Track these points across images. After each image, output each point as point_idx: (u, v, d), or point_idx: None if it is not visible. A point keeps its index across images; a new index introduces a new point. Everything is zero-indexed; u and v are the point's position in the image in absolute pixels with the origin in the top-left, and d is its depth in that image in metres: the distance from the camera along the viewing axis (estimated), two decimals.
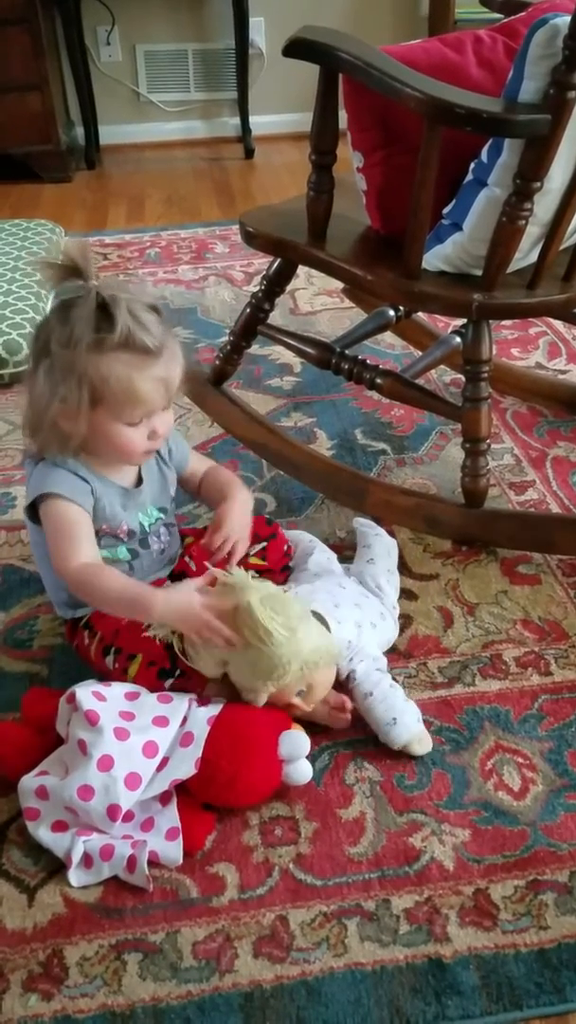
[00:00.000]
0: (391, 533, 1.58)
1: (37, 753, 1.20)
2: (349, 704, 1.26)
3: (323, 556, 1.47)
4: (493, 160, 1.37)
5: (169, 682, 1.22)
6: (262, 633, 1.15)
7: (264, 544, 1.38)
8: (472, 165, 1.43)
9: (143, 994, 1.00)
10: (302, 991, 1.00)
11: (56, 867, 1.12)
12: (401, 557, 1.54)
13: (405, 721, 1.24)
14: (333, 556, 1.48)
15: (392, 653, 1.40)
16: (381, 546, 1.50)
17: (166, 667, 1.22)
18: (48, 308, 2.25)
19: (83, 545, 1.20)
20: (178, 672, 1.22)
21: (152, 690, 1.21)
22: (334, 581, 1.39)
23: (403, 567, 1.54)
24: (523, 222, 1.35)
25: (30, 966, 1.03)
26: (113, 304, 1.12)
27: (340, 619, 1.30)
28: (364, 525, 1.55)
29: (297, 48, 1.41)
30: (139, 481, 1.30)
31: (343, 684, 1.29)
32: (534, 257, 1.47)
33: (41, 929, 1.06)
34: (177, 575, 1.36)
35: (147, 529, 1.31)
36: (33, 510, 1.24)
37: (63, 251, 1.15)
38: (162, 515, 1.33)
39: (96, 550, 1.23)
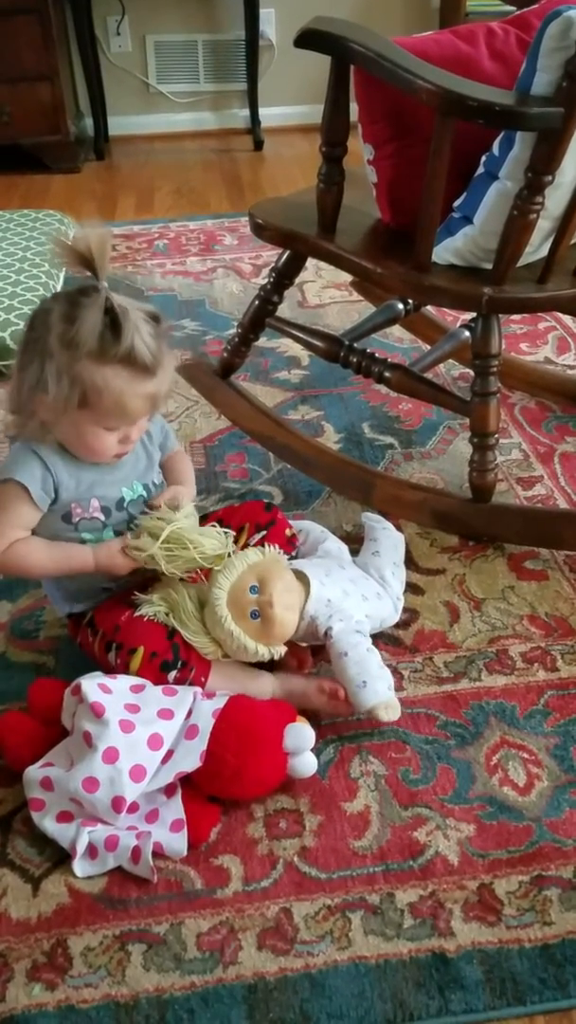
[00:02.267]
0: (398, 528, 1.57)
1: (42, 744, 1.20)
2: (342, 692, 1.26)
3: (334, 545, 1.47)
4: (505, 153, 1.37)
5: (172, 674, 1.22)
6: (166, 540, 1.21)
7: (264, 532, 1.36)
8: (483, 158, 1.42)
9: (147, 985, 1.01)
10: (306, 983, 1.00)
11: (61, 857, 1.12)
12: (408, 552, 1.54)
13: (375, 687, 1.24)
14: (344, 547, 1.48)
15: (398, 647, 1.40)
16: (388, 540, 1.50)
17: (168, 659, 1.22)
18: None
19: (13, 528, 1.22)
20: (181, 663, 1.22)
21: (156, 683, 1.21)
22: (335, 563, 1.40)
23: (410, 562, 1.53)
24: (534, 216, 1.35)
25: (34, 956, 1.03)
26: (123, 316, 1.12)
27: (325, 582, 1.31)
28: (371, 519, 1.55)
29: (309, 39, 1.40)
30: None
31: (322, 641, 1.30)
32: (545, 251, 1.47)
33: (46, 919, 1.07)
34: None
35: (126, 505, 1.28)
36: None
37: (83, 238, 1.14)
38: (144, 493, 1.31)
39: (26, 531, 1.23)
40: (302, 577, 1.31)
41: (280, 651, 1.27)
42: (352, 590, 1.34)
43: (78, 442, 1.21)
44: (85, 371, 1.13)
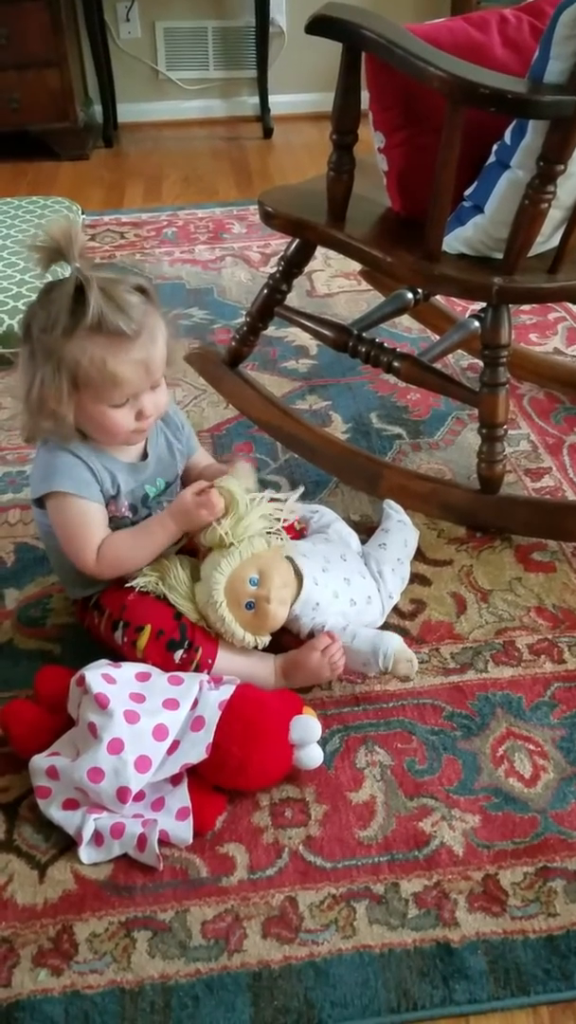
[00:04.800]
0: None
1: (48, 732, 1.21)
2: (337, 637, 1.27)
3: (344, 529, 1.48)
4: (516, 142, 1.36)
5: (179, 653, 1.22)
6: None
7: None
8: (495, 147, 1.41)
9: (152, 971, 1.01)
10: (310, 972, 1.01)
11: (67, 844, 1.12)
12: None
13: (388, 638, 1.27)
14: (354, 534, 1.48)
15: (404, 637, 1.39)
16: (399, 534, 1.49)
17: (175, 638, 1.23)
18: None
19: (95, 535, 1.23)
20: (187, 643, 1.23)
21: (162, 663, 1.22)
22: (339, 551, 1.40)
23: (417, 552, 1.53)
24: (546, 205, 1.34)
25: (40, 941, 1.04)
26: (87, 286, 1.11)
27: (319, 581, 1.31)
28: (392, 507, 1.55)
29: (320, 25, 1.39)
30: (145, 455, 1.30)
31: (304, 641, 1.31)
32: (556, 241, 1.46)
33: (51, 905, 1.07)
34: (190, 552, 1.36)
35: (150, 502, 1.31)
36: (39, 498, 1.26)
37: (47, 233, 1.13)
38: (167, 488, 1.33)
39: (106, 529, 1.25)
40: (297, 572, 1.31)
41: (264, 641, 1.29)
42: (343, 592, 1.34)
43: (92, 426, 1.21)
44: (64, 349, 1.13)
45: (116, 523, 1.27)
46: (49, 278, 1.17)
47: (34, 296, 1.20)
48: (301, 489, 1.40)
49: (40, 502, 1.26)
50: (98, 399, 1.17)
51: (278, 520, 1.31)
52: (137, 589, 1.26)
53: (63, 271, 1.14)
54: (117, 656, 1.25)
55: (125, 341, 1.14)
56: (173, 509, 1.25)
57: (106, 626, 1.28)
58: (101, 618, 1.29)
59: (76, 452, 1.22)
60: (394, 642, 1.27)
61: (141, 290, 1.18)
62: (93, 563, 1.23)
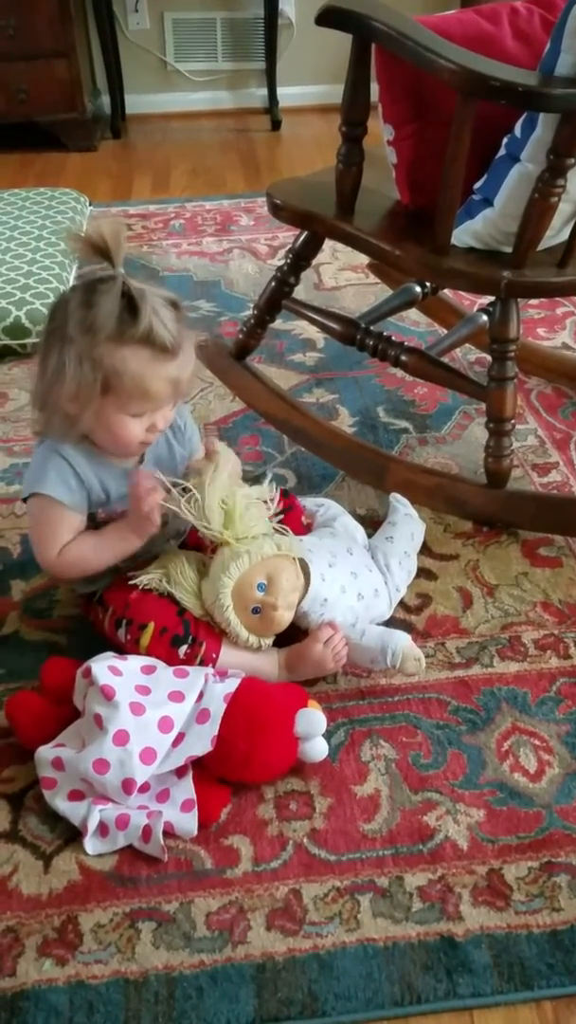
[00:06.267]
0: None
1: (54, 723, 1.21)
2: (339, 628, 1.28)
3: (351, 522, 1.48)
4: (527, 135, 1.35)
5: (183, 649, 1.23)
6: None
7: (280, 516, 1.37)
8: (505, 140, 1.41)
9: (156, 962, 1.01)
10: (314, 964, 1.01)
11: (72, 835, 1.13)
12: None
13: (398, 636, 1.28)
14: (360, 528, 1.48)
15: (410, 632, 1.39)
16: (406, 527, 1.49)
17: (179, 633, 1.23)
18: (71, 279, 2.25)
19: (62, 538, 1.24)
20: (191, 639, 1.23)
21: (167, 658, 1.22)
22: (345, 545, 1.39)
23: (423, 547, 1.53)
24: (555, 199, 1.33)
25: (45, 931, 1.04)
26: (139, 298, 1.12)
27: (325, 577, 1.31)
28: (398, 500, 1.55)
29: (330, 17, 1.39)
30: (141, 459, 1.30)
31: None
32: (565, 235, 1.45)
33: (56, 895, 1.08)
34: (196, 547, 1.36)
35: None
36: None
37: (96, 229, 1.14)
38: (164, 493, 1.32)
39: (74, 534, 1.25)
40: (304, 568, 1.30)
41: (268, 643, 1.29)
42: (350, 587, 1.33)
43: (104, 432, 1.21)
44: (105, 354, 1.13)
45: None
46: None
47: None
48: (269, 476, 1.39)
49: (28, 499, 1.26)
50: (121, 408, 1.18)
51: (267, 506, 1.30)
52: (141, 587, 1.25)
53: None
54: (121, 652, 1.25)
55: (166, 357, 1.15)
56: (130, 519, 1.24)
57: (110, 623, 1.28)
58: (105, 615, 1.29)
59: (70, 458, 1.22)
60: (403, 640, 1.27)
61: (174, 305, 1.18)
62: (53, 559, 1.24)
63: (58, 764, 1.15)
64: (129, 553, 1.26)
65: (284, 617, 1.27)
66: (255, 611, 1.25)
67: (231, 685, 1.18)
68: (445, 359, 1.67)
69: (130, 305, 1.12)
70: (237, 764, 1.16)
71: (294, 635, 1.31)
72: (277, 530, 1.30)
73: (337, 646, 1.27)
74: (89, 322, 1.12)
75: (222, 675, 1.21)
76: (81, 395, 1.15)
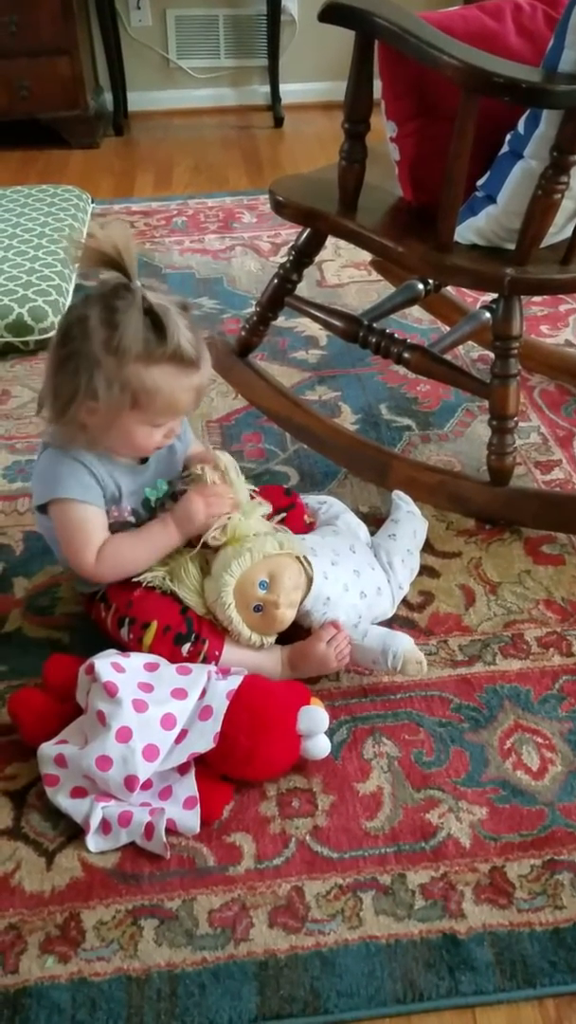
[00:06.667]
0: None
1: (57, 720, 1.21)
2: (343, 628, 1.27)
3: (353, 520, 1.48)
4: (530, 131, 1.35)
5: (186, 647, 1.23)
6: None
7: (283, 515, 1.37)
8: (508, 136, 1.40)
9: (159, 959, 1.01)
10: (316, 962, 1.01)
11: (74, 832, 1.13)
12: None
13: (400, 638, 1.28)
14: (363, 526, 1.48)
15: (412, 629, 1.40)
16: (408, 525, 1.49)
17: (182, 631, 1.23)
18: (74, 278, 2.24)
19: (96, 539, 1.23)
20: (194, 636, 1.23)
21: (170, 657, 1.22)
22: (348, 543, 1.39)
23: (426, 544, 1.53)
24: (559, 196, 1.33)
25: (47, 928, 1.04)
26: (164, 315, 1.12)
27: (328, 575, 1.31)
28: (400, 498, 1.55)
29: (333, 13, 1.38)
30: (144, 458, 1.30)
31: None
32: (569, 232, 1.45)
33: (59, 892, 1.08)
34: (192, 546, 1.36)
35: (152, 504, 1.31)
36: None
37: (106, 237, 1.12)
38: (167, 488, 1.33)
39: (106, 532, 1.25)
40: (307, 570, 1.30)
41: (270, 641, 1.29)
42: (353, 585, 1.33)
43: (125, 443, 1.22)
44: (134, 375, 1.13)
45: (119, 527, 1.27)
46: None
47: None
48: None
49: (42, 508, 1.26)
50: (146, 421, 1.19)
51: (260, 504, 1.31)
52: (144, 585, 1.25)
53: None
54: (124, 650, 1.25)
55: (192, 369, 1.17)
56: (179, 515, 1.25)
57: (112, 621, 1.28)
58: (108, 612, 1.29)
59: (80, 458, 1.22)
60: (404, 643, 1.27)
61: (184, 308, 1.19)
62: (92, 566, 1.23)
63: (60, 761, 1.15)
64: (169, 551, 1.26)
65: (286, 615, 1.26)
66: (257, 609, 1.25)
67: (234, 682, 1.18)
68: (448, 356, 1.67)
69: (155, 324, 1.12)
70: (239, 761, 1.16)
71: (296, 634, 1.31)
72: (277, 530, 1.30)
73: (340, 645, 1.27)
74: (115, 344, 1.12)
75: (225, 672, 1.21)
76: (111, 414, 1.16)
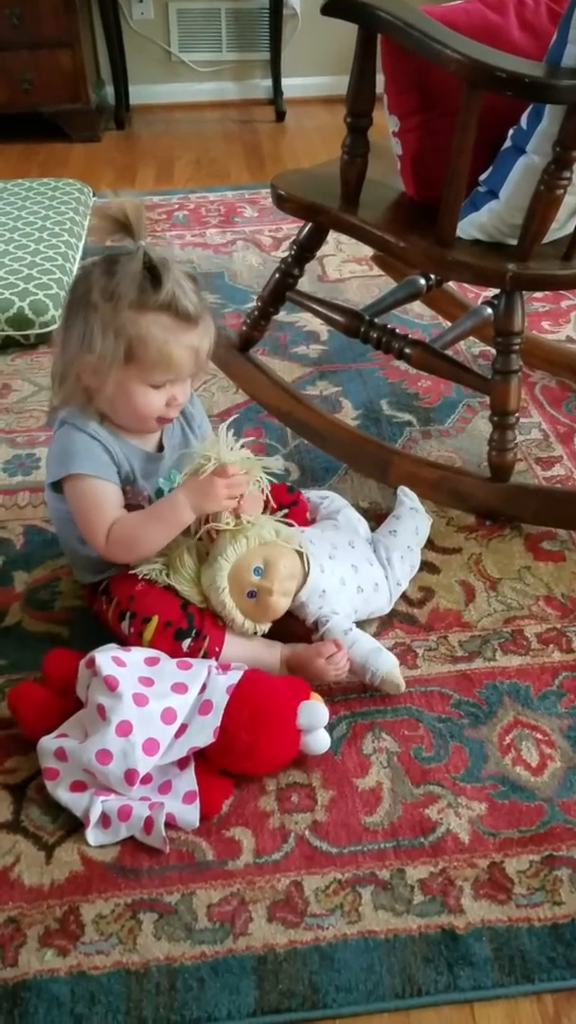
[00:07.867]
0: None
1: (56, 714, 1.21)
2: (343, 647, 1.26)
3: (353, 515, 1.48)
4: (533, 127, 1.34)
5: (186, 642, 1.23)
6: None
7: (286, 511, 1.37)
8: (511, 131, 1.40)
9: (158, 953, 1.01)
10: (315, 956, 1.01)
11: (74, 826, 1.13)
12: None
13: (386, 656, 1.27)
14: (364, 521, 1.48)
15: (412, 625, 1.40)
16: (410, 521, 1.49)
17: (183, 627, 1.23)
18: (75, 271, 2.24)
19: (109, 515, 1.23)
20: (195, 632, 1.23)
21: (170, 652, 1.22)
22: (347, 538, 1.39)
23: (426, 540, 1.53)
24: (561, 191, 1.33)
25: (47, 922, 1.04)
26: (162, 267, 1.14)
27: (325, 568, 1.31)
28: (405, 494, 1.55)
29: (336, 7, 1.38)
30: (160, 447, 1.30)
31: (311, 630, 1.31)
32: (571, 228, 1.44)
33: (58, 886, 1.08)
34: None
35: (165, 494, 1.30)
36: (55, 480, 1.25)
37: (120, 205, 1.16)
38: (182, 481, 1.32)
39: (121, 510, 1.24)
40: (304, 561, 1.30)
41: (264, 629, 1.28)
42: (350, 579, 1.33)
43: (124, 404, 1.21)
44: (129, 321, 1.14)
45: (134, 510, 1.27)
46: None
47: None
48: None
49: (56, 485, 1.25)
50: (142, 377, 1.18)
51: (259, 485, 1.30)
52: (141, 576, 1.25)
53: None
54: (124, 644, 1.25)
55: (188, 325, 1.17)
56: (195, 492, 1.21)
57: (113, 615, 1.28)
58: (109, 606, 1.29)
59: (95, 434, 1.22)
60: (386, 664, 1.26)
61: (193, 279, 1.19)
62: (103, 544, 1.23)
63: (61, 754, 1.15)
64: (181, 529, 1.24)
65: (280, 603, 1.26)
66: (251, 595, 1.25)
67: (234, 677, 1.18)
68: (449, 352, 1.66)
69: (152, 273, 1.14)
70: (239, 756, 1.16)
71: (293, 627, 1.31)
72: (279, 520, 1.30)
73: (340, 664, 1.26)
74: (111, 289, 1.13)
75: (225, 667, 1.21)
76: (104, 364, 1.16)
